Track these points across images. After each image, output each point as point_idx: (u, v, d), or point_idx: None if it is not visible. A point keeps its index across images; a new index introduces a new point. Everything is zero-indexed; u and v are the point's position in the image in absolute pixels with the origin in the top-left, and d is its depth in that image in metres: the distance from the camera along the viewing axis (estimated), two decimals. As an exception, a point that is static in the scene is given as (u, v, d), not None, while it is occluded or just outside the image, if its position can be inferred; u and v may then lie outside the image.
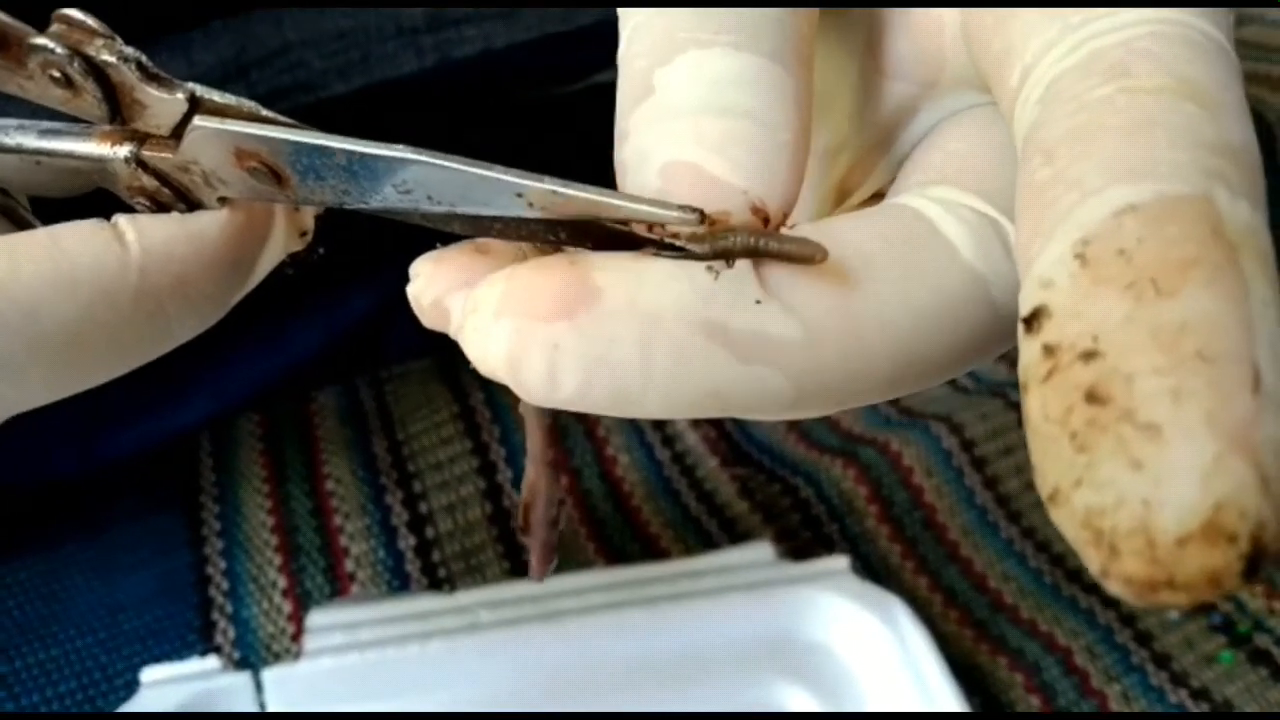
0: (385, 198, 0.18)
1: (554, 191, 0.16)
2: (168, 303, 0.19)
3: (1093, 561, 0.13)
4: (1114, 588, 0.13)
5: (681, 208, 0.16)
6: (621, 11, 0.18)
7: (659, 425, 0.44)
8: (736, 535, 0.40)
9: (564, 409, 0.16)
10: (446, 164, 0.17)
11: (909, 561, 0.40)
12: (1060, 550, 0.40)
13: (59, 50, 0.18)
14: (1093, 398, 0.13)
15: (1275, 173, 0.21)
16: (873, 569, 0.40)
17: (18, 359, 0.18)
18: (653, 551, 0.40)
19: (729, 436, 0.44)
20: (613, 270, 0.16)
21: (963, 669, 0.37)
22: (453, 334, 0.17)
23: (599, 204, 0.16)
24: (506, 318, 0.16)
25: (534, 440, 0.24)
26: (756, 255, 0.16)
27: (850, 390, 0.16)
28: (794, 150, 0.17)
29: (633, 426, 0.44)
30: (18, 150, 0.20)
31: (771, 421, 0.44)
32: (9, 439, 0.38)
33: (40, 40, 0.18)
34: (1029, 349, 0.14)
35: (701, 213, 0.16)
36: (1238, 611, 0.39)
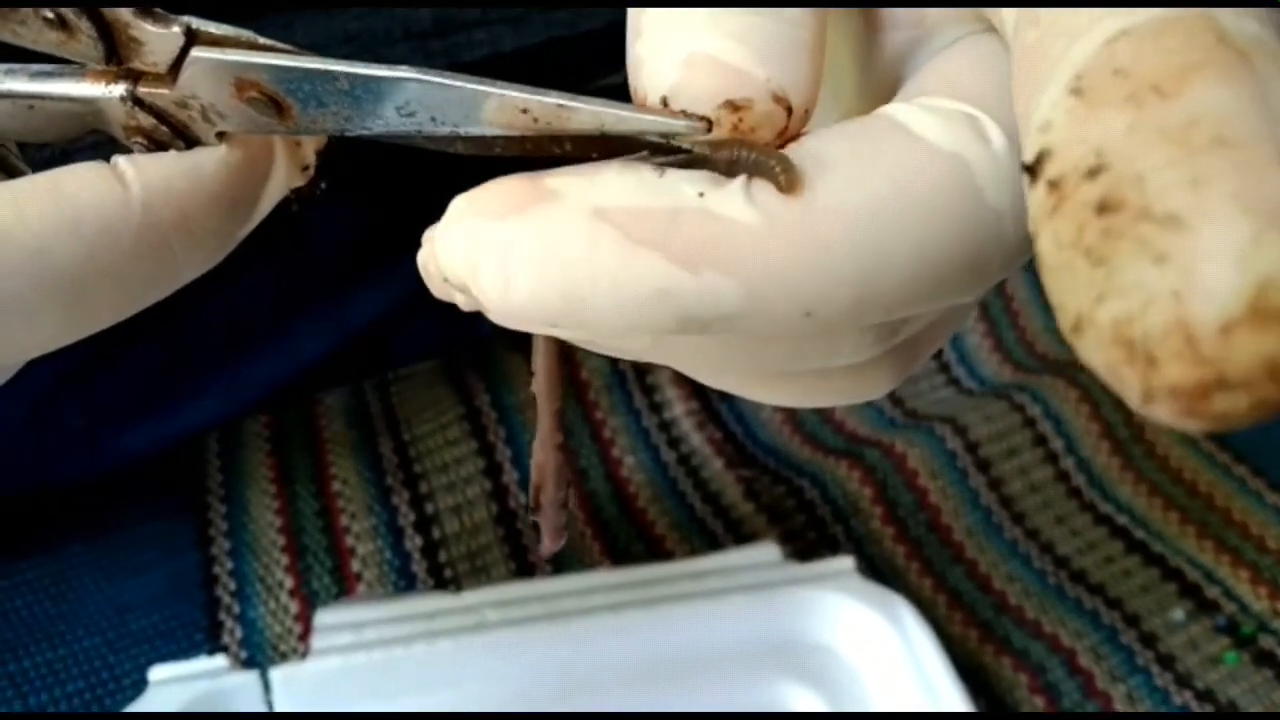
0: (388, 122, 0.18)
1: (560, 105, 0.17)
2: (172, 239, 0.19)
3: (1132, 386, 0.12)
4: (1161, 412, 0.12)
5: (688, 116, 0.16)
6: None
7: (665, 427, 0.44)
8: (742, 536, 0.40)
9: (523, 321, 0.16)
10: (449, 82, 0.17)
11: (914, 562, 0.40)
12: (1064, 552, 0.40)
13: None
14: (1104, 208, 0.12)
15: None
16: (878, 570, 0.40)
17: (29, 302, 0.18)
18: (658, 552, 0.40)
19: (734, 438, 0.44)
20: (568, 174, 0.16)
21: (967, 670, 0.37)
22: (420, 263, 0.17)
23: (605, 116, 0.16)
24: (463, 221, 0.16)
25: (543, 423, 0.24)
26: (761, 172, 0.16)
27: (810, 291, 0.15)
28: (814, 49, 0.16)
29: (639, 427, 0.44)
30: (9, 95, 0.20)
31: (776, 422, 0.44)
32: (19, 440, 0.39)
33: None
34: (1034, 197, 0.14)
35: (708, 121, 0.16)
36: (1242, 613, 0.39)
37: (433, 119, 0.17)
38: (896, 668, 0.34)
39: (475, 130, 0.17)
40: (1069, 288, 0.13)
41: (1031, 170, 0.14)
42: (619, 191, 0.16)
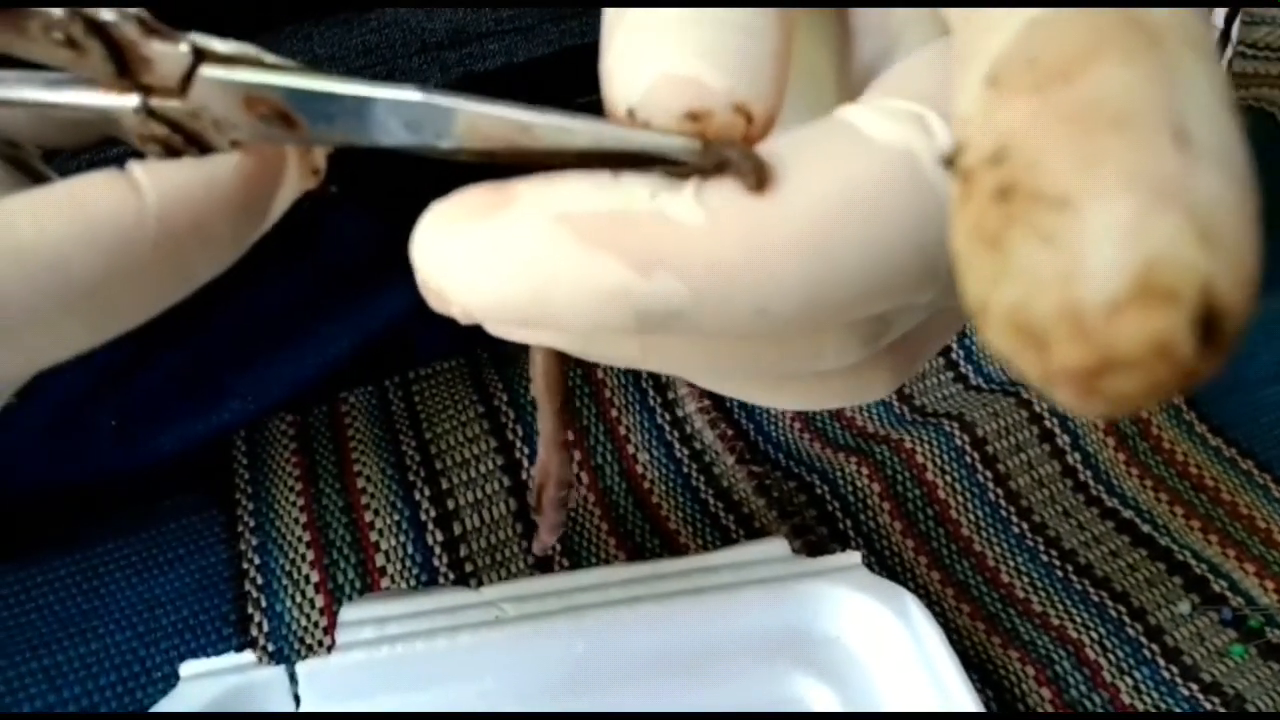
0: (395, 137, 0.18)
1: (561, 128, 0.17)
2: (187, 245, 0.20)
3: (1031, 370, 0.12)
4: (1060, 395, 0.12)
5: (686, 137, 0.17)
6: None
7: (678, 424, 0.45)
8: (753, 531, 0.41)
9: (491, 322, 0.18)
10: (452, 104, 0.18)
11: (922, 556, 0.40)
12: (1071, 545, 0.41)
13: (58, 12, 0.18)
14: (1002, 195, 0.12)
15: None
16: (886, 563, 0.40)
17: (48, 312, 0.19)
18: (672, 546, 0.41)
19: (746, 435, 0.45)
20: (532, 180, 0.17)
21: (975, 662, 0.38)
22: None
23: (604, 135, 0.17)
24: (433, 227, 0.17)
25: (545, 423, 0.25)
26: (736, 172, 0.16)
27: (757, 289, 0.16)
28: (776, 58, 0.17)
29: (653, 425, 0.45)
30: (23, 103, 0.20)
31: (786, 420, 0.45)
32: (53, 440, 0.40)
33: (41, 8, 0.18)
34: (952, 190, 0.13)
35: (706, 142, 0.17)
36: (1249, 606, 0.39)
37: (437, 135, 0.18)
38: (904, 659, 0.35)
39: (479, 146, 0.18)
40: (972, 275, 0.13)
41: (949, 161, 0.14)
42: (576, 195, 0.16)
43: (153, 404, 0.41)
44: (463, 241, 0.16)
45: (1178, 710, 0.37)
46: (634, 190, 0.16)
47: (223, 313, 0.41)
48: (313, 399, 0.45)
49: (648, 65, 0.17)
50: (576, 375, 0.46)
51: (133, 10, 0.18)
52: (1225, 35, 0.43)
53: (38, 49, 0.19)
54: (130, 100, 0.19)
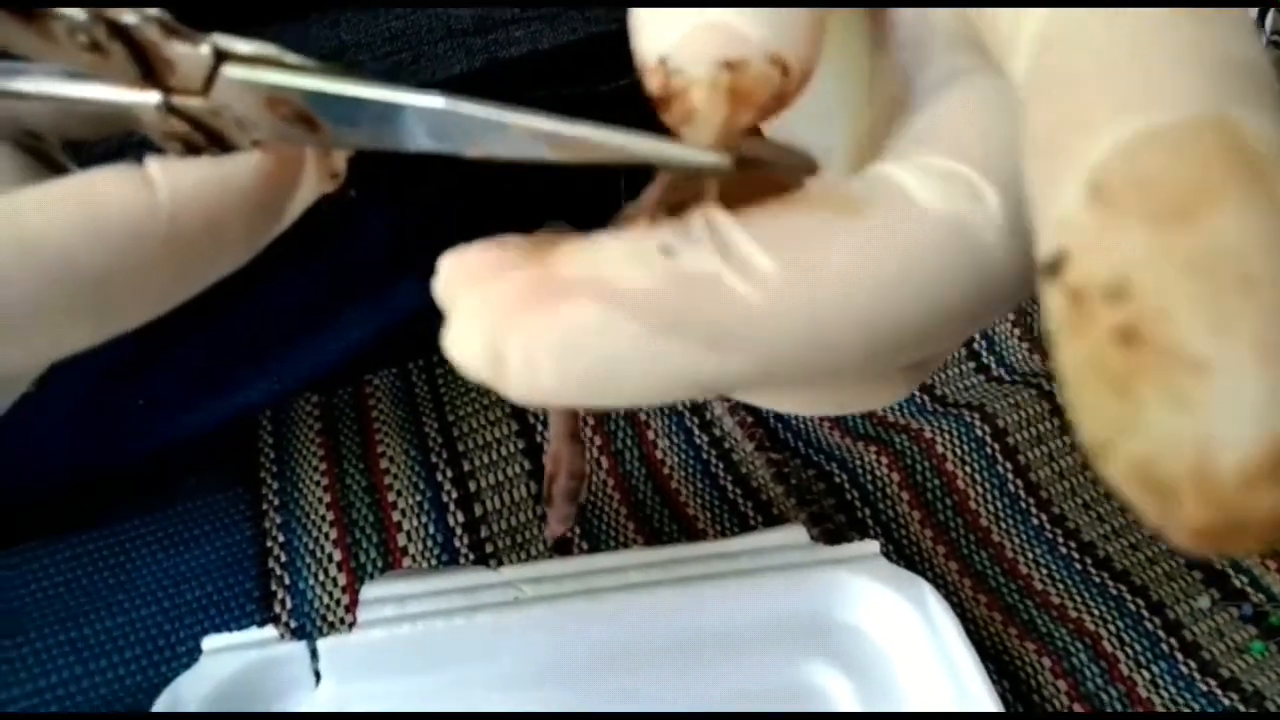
0: (419, 144, 0.18)
1: (588, 140, 0.17)
2: (199, 245, 0.19)
3: (1151, 512, 0.12)
4: (1177, 539, 0.12)
5: (715, 153, 0.16)
6: None
7: (698, 410, 0.45)
8: (772, 518, 0.41)
9: (548, 404, 0.17)
10: (480, 114, 0.17)
11: (940, 546, 0.41)
12: (1090, 538, 0.41)
13: (81, 16, 0.18)
14: (1128, 339, 0.12)
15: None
16: (904, 553, 0.40)
17: (56, 307, 0.19)
18: (691, 532, 0.41)
19: (766, 423, 0.45)
20: (579, 262, 0.16)
21: (991, 653, 0.38)
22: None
23: (632, 148, 0.17)
24: (479, 319, 0.16)
25: (556, 417, 0.25)
26: (761, 166, 0.16)
27: (817, 359, 0.16)
28: (813, 14, 0.17)
29: (673, 411, 0.45)
30: (46, 97, 0.20)
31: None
32: (84, 420, 0.41)
33: (64, 9, 0.18)
34: (1053, 297, 0.13)
35: (734, 156, 0.16)
36: (1269, 603, 0.39)
37: (461, 143, 0.18)
38: (919, 647, 0.35)
39: (505, 155, 0.17)
40: (1093, 413, 0.13)
41: (1050, 268, 0.14)
42: (627, 273, 0.16)
43: (180, 384, 0.42)
44: (517, 339, 0.15)
45: (1195, 706, 0.37)
46: (688, 260, 0.16)
47: (249, 296, 0.41)
48: (338, 381, 0.45)
49: (681, 14, 0.16)
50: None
51: (154, 12, 0.18)
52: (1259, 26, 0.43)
53: (63, 53, 0.19)
54: (151, 97, 0.19)
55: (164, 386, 0.42)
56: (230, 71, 0.19)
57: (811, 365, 0.16)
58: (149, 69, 0.19)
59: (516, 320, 0.15)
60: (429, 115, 0.18)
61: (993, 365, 0.47)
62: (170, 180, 0.19)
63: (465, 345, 0.16)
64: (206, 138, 0.20)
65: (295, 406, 0.44)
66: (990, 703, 0.33)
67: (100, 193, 0.19)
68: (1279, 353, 0.12)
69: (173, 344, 0.42)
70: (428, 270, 0.49)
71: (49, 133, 0.23)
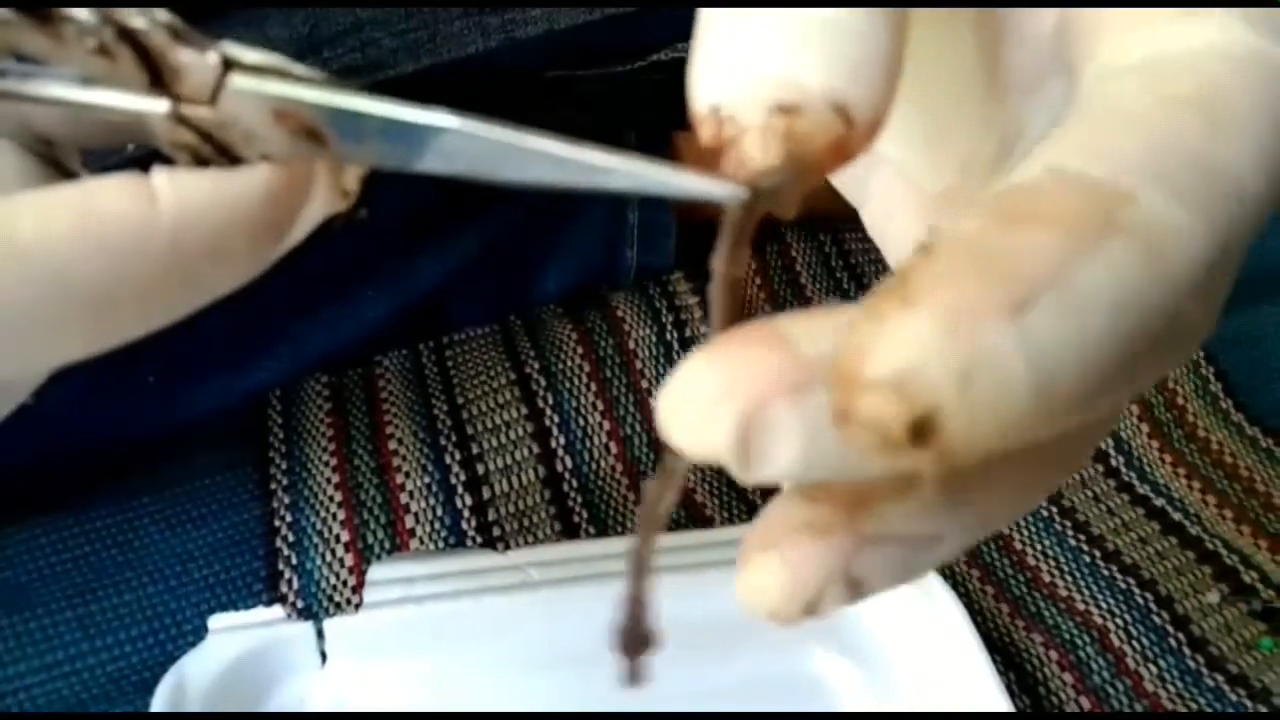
0: (426, 162, 0.17)
1: (597, 167, 0.16)
2: (200, 260, 0.18)
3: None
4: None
5: (732, 184, 0.15)
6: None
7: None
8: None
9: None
10: (483, 134, 0.17)
11: (949, 537, 0.40)
12: (1100, 531, 0.41)
13: (90, 19, 0.18)
14: (902, 278, 0.14)
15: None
16: (913, 543, 0.40)
17: (50, 318, 0.18)
18: (698, 519, 0.41)
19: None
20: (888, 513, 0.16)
21: (998, 645, 0.38)
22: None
23: (644, 179, 0.16)
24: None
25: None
26: (779, 194, 0.15)
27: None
28: (886, 59, 0.15)
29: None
30: (57, 103, 0.19)
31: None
32: (94, 397, 0.41)
33: (71, 11, 0.18)
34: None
35: (754, 191, 0.15)
36: (1279, 599, 0.39)
37: (470, 166, 0.17)
38: (924, 635, 0.35)
39: (515, 180, 0.17)
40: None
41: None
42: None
43: (191, 362, 0.42)
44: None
45: (1201, 701, 0.37)
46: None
47: (261, 277, 0.41)
48: (348, 361, 0.45)
49: (738, 64, 0.15)
50: (608, 344, 0.46)
51: (162, 16, 0.18)
52: None
53: (73, 56, 0.18)
54: (160, 105, 0.19)
55: (174, 365, 0.42)
56: (237, 81, 0.18)
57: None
58: (157, 75, 0.19)
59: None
60: (439, 135, 0.17)
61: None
62: (173, 192, 0.18)
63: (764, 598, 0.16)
64: (215, 150, 0.19)
65: (305, 386, 0.44)
66: (994, 690, 0.33)
67: (99, 201, 0.18)
68: (966, 322, 0.13)
69: (184, 322, 0.42)
70: (441, 251, 0.49)
71: (62, 139, 0.23)
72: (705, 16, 0.16)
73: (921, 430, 0.13)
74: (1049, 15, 0.19)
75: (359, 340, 0.44)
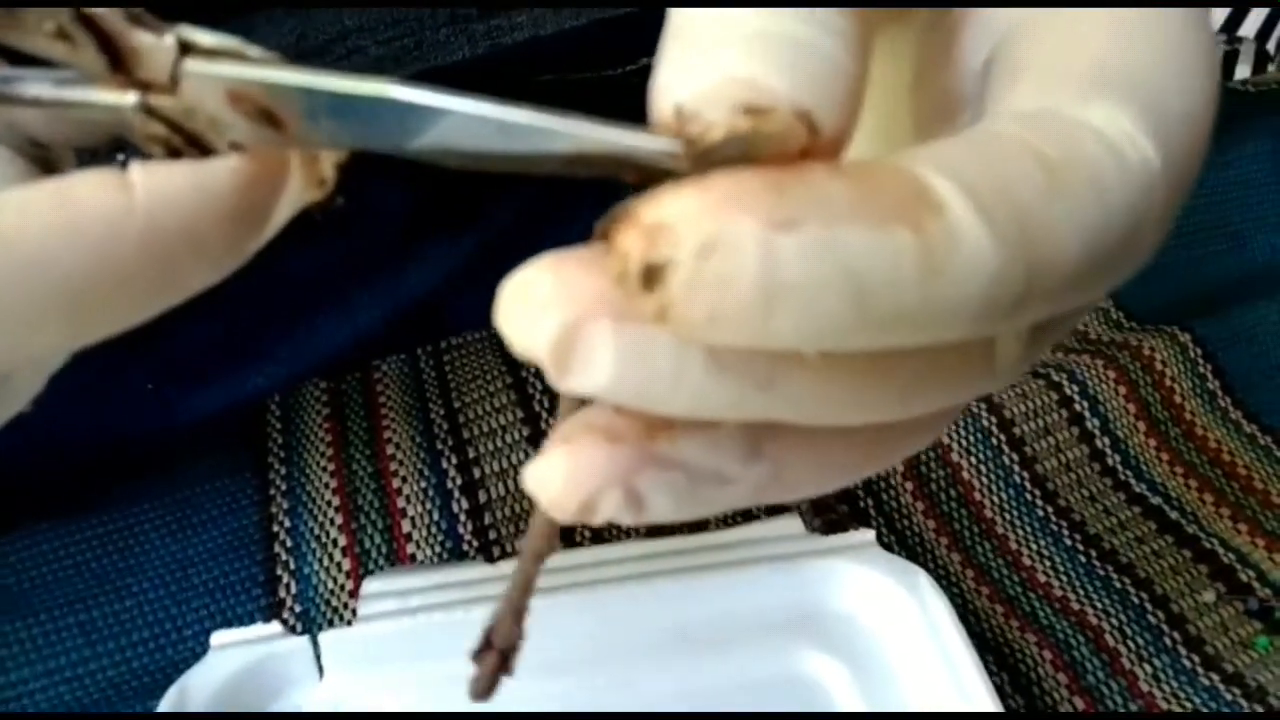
0: (376, 137, 0.17)
1: (540, 128, 0.16)
2: (176, 249, 0.19)
3: None
4: None
5: (668, 140, 0.15)
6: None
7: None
8: (773, 508, 0.41)
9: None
10: (424, 101, 0.17)
11: (943, 537, 0.40)
12: (1095, 530, 0.41)
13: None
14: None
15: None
16: (906, 544, 0.40)
17: (30, 309, 0.18)
18: (694, 522, 0.41)
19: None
20: None
21: (991, 645, 0.38)
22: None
23: (583, 137, 0.16)
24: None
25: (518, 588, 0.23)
26: (747, 158, 0.15)
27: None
28: (850, 78, 0.16)
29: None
30: (36, 103, 0.20)
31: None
32: (91, 402, 0.41)
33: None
34: None
35: (688, 141, 0.15)
36: (1276, 598, 0.39)
37: (418, 135, 0.17)
38: (914, 633, 0.35)
39: (456, 147, 0.17)
40: None
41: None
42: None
43: (189, 368, 0.42)
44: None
45: (1196, 700, 0.36)
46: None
47: (258, 280, 0.41)
48: (347, 366, 0.45)
49: (706, 65, 0.15)
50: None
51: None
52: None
53: (38, 42, 0.19)
54: (129, 98, 0.19)
55: (173, 371, 0.42)
56: (190, 64, 0.18)
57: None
58: (117, 59, 0.19)
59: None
60: (381, 106, 0.17)
61: (1001, 354, 0.47)
62: (147, 183, 0.19)
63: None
64: (185, 140, 0.19)
65: (304, 392, 0.45)
66: (981, 685, 0.33)
67: (77, 193, 0.18)
68: (742, 205, 0.14)
69: (181, 326, 0.42)
70: (434, 256, 0.49)
71: (51, 141, 0.23)
72: (673, 26, 0.16)
73: (651, 276, 0.14)
74: (982, 51, 0.19)
75: (356, 345, 0.45)
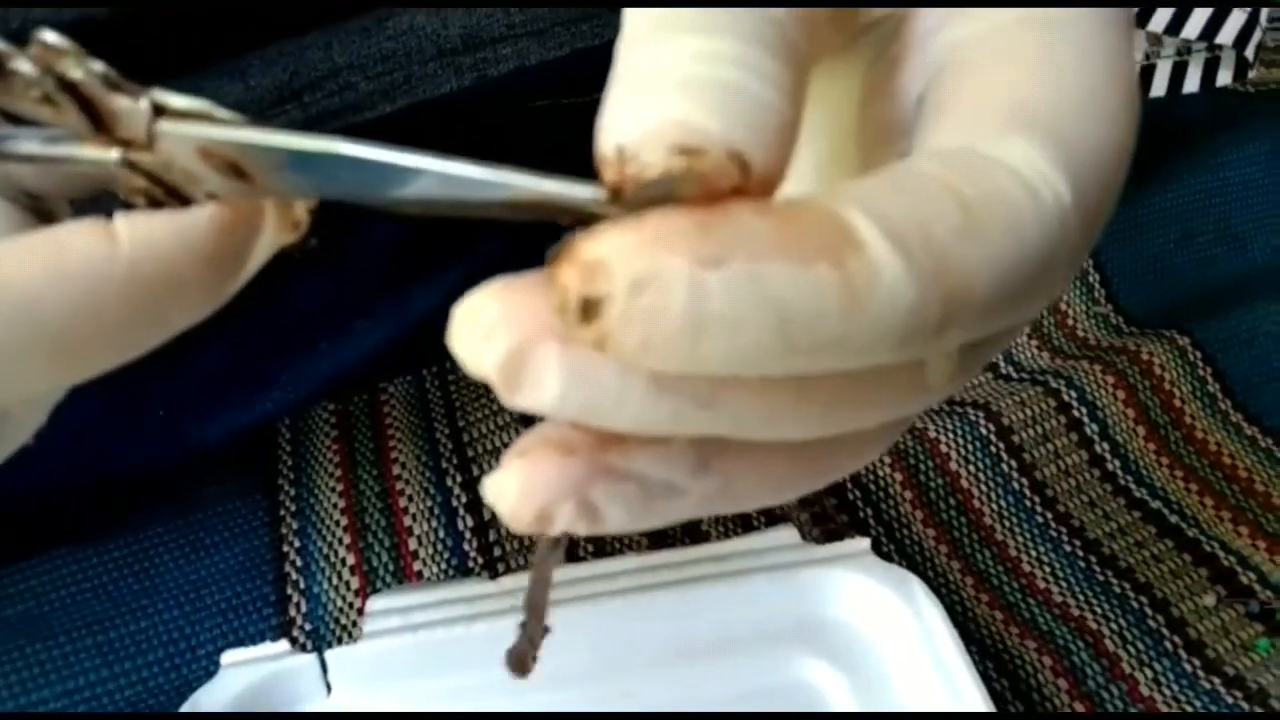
0: (328, 188, 0.19)
1: (477, 180, 0.17)
2: (159, 294, 0.20)
3: None
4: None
5: (594, 185, 0.16)
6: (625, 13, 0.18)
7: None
8: (773, 518, 0.41)
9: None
10: (367, 156, 0.18)
11: (942, 546, 0.41)
12: (1095, 536, 0.41)
13: (33, 71, 0.19)
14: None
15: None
16: (905, 552, 0.41)
17: (17, 351, 0.20)
18: (693, 533, 0.42)
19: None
20: None
21: (991, 651, 0.38)
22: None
23: (514, 186, 0.17)
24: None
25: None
26: (682, 196, 0.16)
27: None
28: (784, 122, 0.17)
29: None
30: (28, 158, 0.21)
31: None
32: (106, 431, 0.42)
33: (16, 64, 0.19)
34: None
35: (614, 189, 0.16)
36: (1277, 600, 0.39)
37: (363, 189, 0.18)
38: (909, 640, 0.35)
39: (405, 196, 0.18)
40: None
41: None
42: None
43: (199, 395, 0.43)
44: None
45: (1197, 704, 0.37)
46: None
47: (264, 308, 0.42)
48: (354, 388, 0.46)
49: (644, 109, 0.16)
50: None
51: (98, 67, 0.20)
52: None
53: (26, 106, 0.20)
54: (113, 154, 0.20)
55: (184, 396, 0.43)
56: (164, 126, 0.20)
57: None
58: (98, 120, 0.20)
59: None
60: (328, 161, 0.18)
61: (1000, 363, 0.47)
62: (131, 230, 0.20)
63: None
64: (165, 192, 0.21)
65: (313, 415, 0.46)
66: (974, 688, 0.33)
67: (66, 241, 0.20)
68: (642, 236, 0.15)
69: (192, 354, 0.43)
70: (440, 277, 0.50)
71: (47, 193, 0.24)
72: (617, 71, 0.17)
73: (588, 310, 0.15)
74: (919, 84, 0.20)
75: (362, 368, 0.46)
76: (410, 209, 0.18)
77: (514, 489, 0.17)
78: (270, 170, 0.19)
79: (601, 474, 0.18)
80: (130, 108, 0.20)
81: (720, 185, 0.16)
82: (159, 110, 0.20)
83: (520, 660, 0.24)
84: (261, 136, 0.19)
